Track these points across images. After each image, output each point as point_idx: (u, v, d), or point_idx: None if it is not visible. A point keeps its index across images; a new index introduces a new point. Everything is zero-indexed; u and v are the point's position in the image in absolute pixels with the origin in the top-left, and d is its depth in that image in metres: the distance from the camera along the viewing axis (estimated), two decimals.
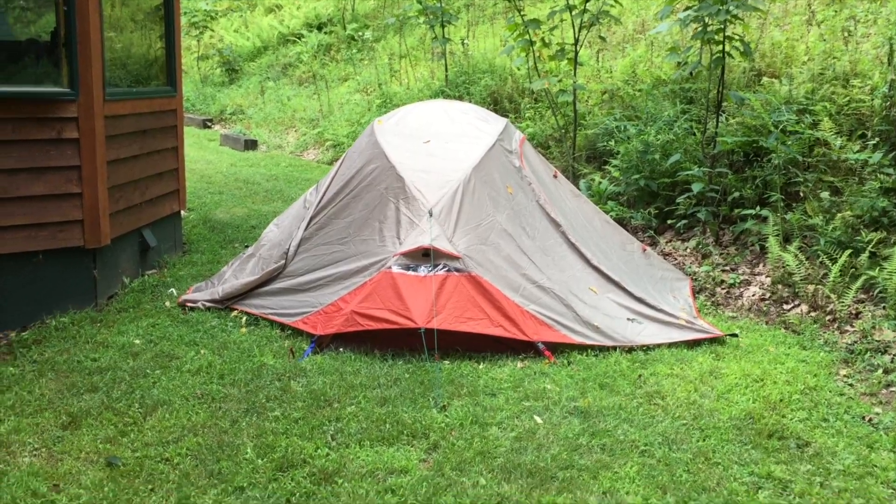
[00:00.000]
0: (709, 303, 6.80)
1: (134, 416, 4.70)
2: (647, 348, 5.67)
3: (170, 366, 5.38)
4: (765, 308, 6.56)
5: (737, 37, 7.42)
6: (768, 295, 6.72)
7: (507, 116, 11.73)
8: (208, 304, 6.43)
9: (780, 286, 6.64)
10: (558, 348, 5.59)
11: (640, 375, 5.22)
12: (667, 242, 7.98)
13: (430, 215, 5.70)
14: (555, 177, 6.78)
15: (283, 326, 5.99)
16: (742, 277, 7.03)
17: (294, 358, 5.48)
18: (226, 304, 6.41)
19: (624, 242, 6.86)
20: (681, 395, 4.97)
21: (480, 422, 4.61)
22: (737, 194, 7.57)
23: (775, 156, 7.28)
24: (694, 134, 8.29)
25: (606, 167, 9.14)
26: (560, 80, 9.45)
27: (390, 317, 5.43)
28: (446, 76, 13.55)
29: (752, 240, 7.32)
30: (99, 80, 6.23)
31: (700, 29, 7.57)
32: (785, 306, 6.50)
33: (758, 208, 7.22)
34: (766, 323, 6.31)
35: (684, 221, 7.75)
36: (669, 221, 8.07)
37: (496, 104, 12.24)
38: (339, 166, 6.64)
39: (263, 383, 5.11)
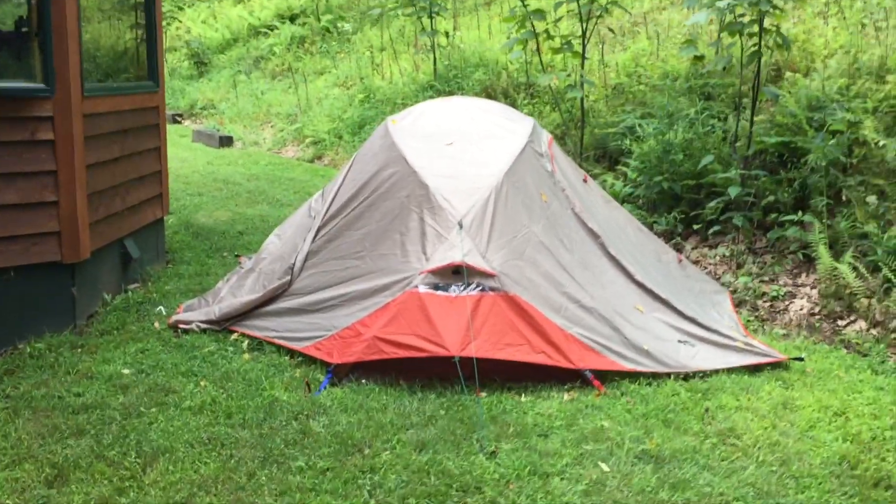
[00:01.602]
0: (752, 318, 6.24)
1: (131, 468, 4.00)
2: (703, 375, 5.07)
3: (167, 402, 4.68)
4: (816, 324, 6.00)
5: (774, 28, 6.85)
6: (817, 309, 6.16)
7: None
8: (203, 326, 5.72)
9: (830, 300, 6.09)
10: (606, 376, 4.97)
11: (706, 409, 4.62)
12: (693, 249, 7.41)
13: (460, 227, 5.05)
14: (584, 181, 6.16)
15: (291, 352, 5.31)
16: (785, 289, 6.48)
17: (310, 392, 4.80)
18: (223, 325, 5.71)
19: (659, 252, 6.27)
20: (757, 432, 4.38)
21: (539, 471, 3.98)
22: (771, 198, 7.00)
23: (817, 157, 6.73)
24: (714, 132, 7.72)
25: (619, 167, 8.55)
26: (569, 75, 8.82)
27: (419, 343, 4.78)
28: (435, 70, 12.88)
29: (792, 247, 6.77)
30: (76, 75, 5.49)
31: (732, 20, 6.99)
32: (839, 322, 5.95)
33: (799, 213, 6.66)
34: (821, 341, 5.75)
35: (717, 227, 7.17)
36: (695, 227, 7.50)
37: (490, 99, 11.58)
38: (348, 170, 5.96)
39: (278, 424, 4.43)
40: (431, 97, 12.33)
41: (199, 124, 17.15)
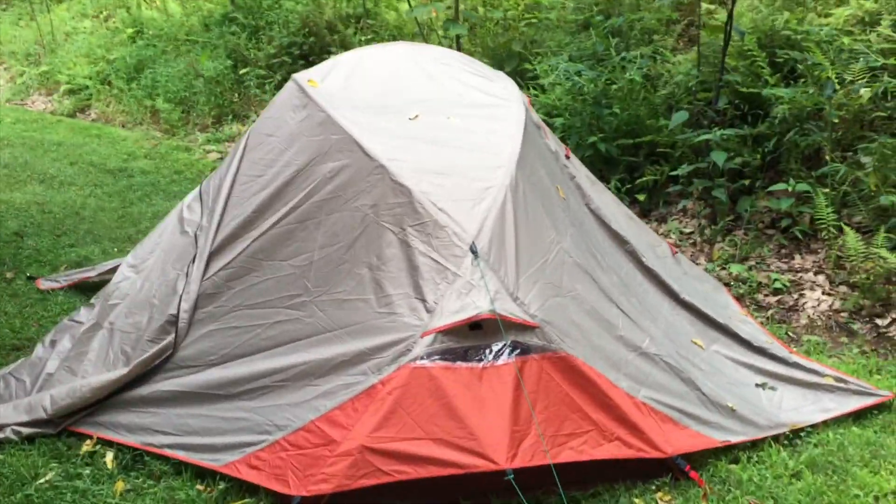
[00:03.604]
0: (763, 319, 4.92)
1: None
2: (803, 432, 3.65)
3: None
4: (849, 323, 4.78)
5: None
6: (837, 303, 4.95)
7: (330, 55, 9.06)
8: (24, 431, 3.47)
9: (858, 291, 4.89)
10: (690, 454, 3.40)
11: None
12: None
13: (475, 255, 3.19)
14: (567, 157, 4.42)
15: (200, 472, 3.25)
16: (785, 277, 5.21)
17: None
18: (61, 425, 3.49)
19: (652, 244, 4.71)
20: None
21: None
22: (737, 161, 5.68)
23: (790, 108, 5.49)
24: (662, 78, 6.28)
25: None
26: (449, 7, 6.97)
27: (444, 454, 2.96)
28: None
29: (765, 221, 5.51)
30: None
31: None
32: (879, 321, 4.77)
33: (793, 181, 5.37)
34: (874, 351, 4.54)
35: (685, 201, 5.76)
36: (639, 198, 6.08)
37: (312, 38, 9.45)
38: (241, 159, 3.87)
39: None
40: (235, 33, 9.96)
41: None
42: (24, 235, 6.02)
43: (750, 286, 5.18)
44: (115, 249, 5.79)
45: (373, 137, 3.49)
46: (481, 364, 3.11)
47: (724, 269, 5.36)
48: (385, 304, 3.25)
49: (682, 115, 5.45)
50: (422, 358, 3.08)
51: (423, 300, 3.19)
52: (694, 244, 5.71)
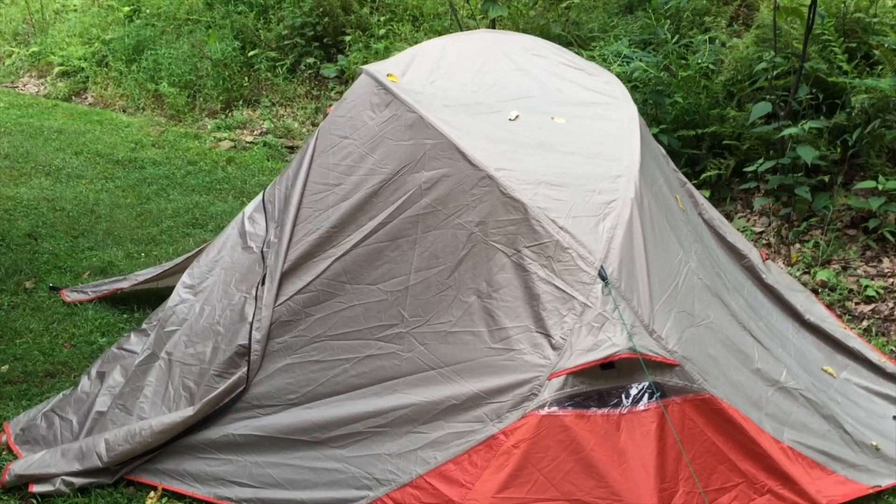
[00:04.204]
0: (858, 330, 4.52)
1: None
2: None
3: None
4: None
5: None
6: None
7: (346, 37, 8.55)
8: (78, 482, 3.01)
9: None
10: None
11: None
12: None
13: (605, 281, 2.75)
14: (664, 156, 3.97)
15: None
16: (877, 283, 4.82)
17: None
18: (120, 473, 3.04)
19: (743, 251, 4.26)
20: None
21: None
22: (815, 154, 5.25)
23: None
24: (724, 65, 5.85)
25: None
26: None
27: None
28: None
29: (872, 223, 5.12)
30: None
31: None
32: None
33: (882, 179, 4.97)
34: None
35: (762, 199, 5.34)
36: (703, 193, 5.64)
37: (326, 18, 8.91)
38: (311, 162, 3.39)
39: None
40: (242, 12, 9.41)
41: None
42: (38, 237, 5.51)
43: (840, 293, 4.78)
44: (143, 255, 5.30)
45: (474, 143, 3.04)
46: (619, 410, 2.68)
47: (806, 273, 4.96)
48: (500, 338, 2.81)
49: (765, 107, 5.01)
50: (551, 404, 2.65)
51: (547, 335, 2.75)
52: (768, 245, 5.31)
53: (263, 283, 3.22)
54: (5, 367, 3.91)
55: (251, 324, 3.15)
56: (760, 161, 5.19)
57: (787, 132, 4.92)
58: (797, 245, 5.18)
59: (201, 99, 9.16)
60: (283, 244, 3.25)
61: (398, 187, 3.10)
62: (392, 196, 3.10)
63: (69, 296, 4.59)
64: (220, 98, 9.02)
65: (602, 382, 2.71)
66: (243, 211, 3.56)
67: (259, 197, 3.56)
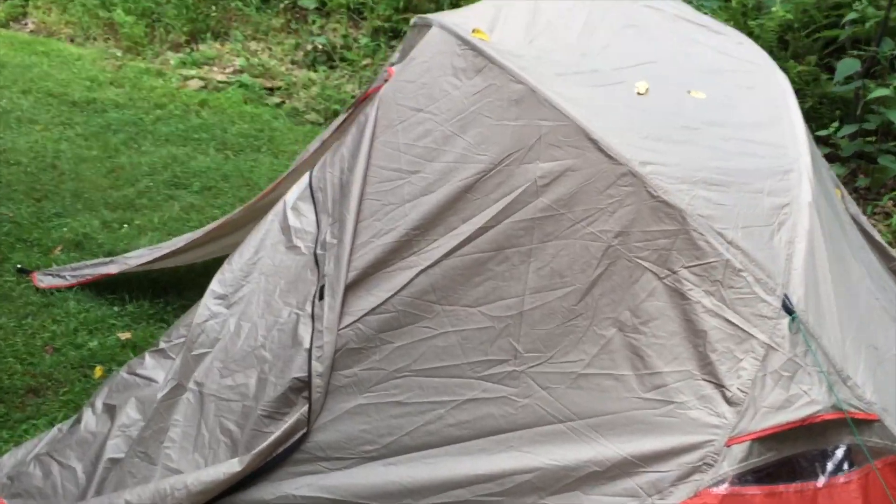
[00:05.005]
0: None
1: None
2: None
3: None
4: None
5: None
6: None
7: None
8: None
9: None
10: None
11: None
12: None
13: (791, 316, 2.13)
14: None
15: None
16: None
17: None
18: None
19: None
20: None
21: None
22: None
23: None
24: None
25: None
26: None
27: None
28: None
29: None
30: None
31: None
32: None
33: None
34: None
35: (837, 167, 4.77)
36: None
37: None
38: (370, 142, 2.66)
39: None
40: None
41: None
42: None
43: None
44: (123, 225, 4.51)
45: (606, 125, 2.36)
46: (814, 483, 2.09)
47: None
48: (653, 385, 2.19)
49: (852, 65, 4.39)
50: (734, 481, 2.05)
51: (720, 385, 2.14)
52: None
53: (321, 298, 2.52)
54: None
55: (309, 351, 2.46)
56: (836, 125, 4.59)
57: (876, 93, 4.32)
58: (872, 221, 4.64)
59: (161, 29, 8.20)
60: (344, 247, 2.54)
61: (503, 181, 2.41)
62: (495, 193, 2.41)
63: (42, 280, 3.82)
64: (184, 29, 8.08)
65: (790, 447, 2.11)
66: (284, 199, 2.83)
67: (304, 180, 2.82)
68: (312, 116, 6.72)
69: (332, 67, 7.38)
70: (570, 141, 2.35)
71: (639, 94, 2.54)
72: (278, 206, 2.82)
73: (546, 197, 2.35)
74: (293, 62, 7.55)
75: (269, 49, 7.77)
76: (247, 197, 5.12)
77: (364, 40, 7.47)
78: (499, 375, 2.33)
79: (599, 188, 2.30)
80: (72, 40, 8.56)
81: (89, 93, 6.78)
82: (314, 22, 7.68)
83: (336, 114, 6.69)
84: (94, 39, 8.40)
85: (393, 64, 3.04)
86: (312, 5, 7.74)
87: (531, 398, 2.28)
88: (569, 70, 2.55)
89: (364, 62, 7.34)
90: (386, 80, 2.98)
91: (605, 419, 2.20)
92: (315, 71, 7.32)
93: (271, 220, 2.80)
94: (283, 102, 6.95)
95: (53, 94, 6.65)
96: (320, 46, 7.47)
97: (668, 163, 2.30)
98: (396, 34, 7.50)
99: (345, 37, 7.59)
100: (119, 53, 8.04)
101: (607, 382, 2.23)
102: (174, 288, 3.91)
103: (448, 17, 2.81)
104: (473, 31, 2.68)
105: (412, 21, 3.06)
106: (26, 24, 9.18)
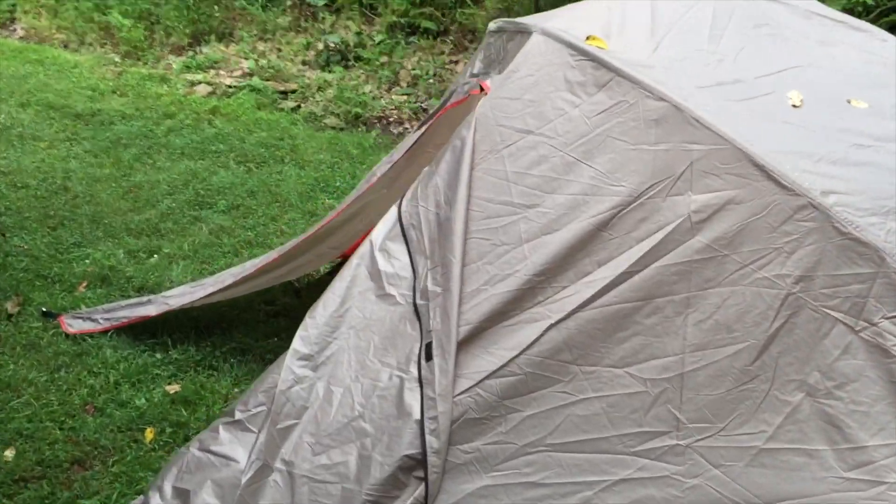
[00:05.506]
0: None
1: None
2: None
3: None
4: None
5: None
6: None
7: None
8: None
9: None
10: None
11: None
12: None
13: None
14: None
15: None
16: None
17: None
18: None
19: None
20: None
21: None
22: None
23: None
24: None
25: None
26: None
27: None
28: None
29: None
30: None
31: None
32: None
33: None
34: None
35: None
36: None
37: None
38: (469, 172, 2.27)
39: None
40: None
41: None
42: (5, 230, 4.26)
43: None
44: (150, 254, 4.10)
45: (771, 147, 1.98)
46: None
47: None
48: (857, 463, 1.82)
49: None
50: None
51: None
52: None
53: (429, 358, 2.14)
54: (10, 453, 2.77)
55: (421, 423, 2.08)
56: None
57: None
58: None
59: (161, 32, 7.75)
60: (452, 297, 2.16)
61: (646, 217, 2.04)
62: (637, 231, 2.04)
63: (72, 325, 3.41)
64: (186, 31, 7.64)
65: None
66: (370, 238, 2.43)
67: (391, 215, 2.43)
68: (332, 121, 6.30)
69: (346, 67, 6.97)
70: (729, 168, 1.97)
71: (794, 106, 2.16)
72: (364, 248, 2.42)
73: (703, 235, 1.98)
74: (305, 63, 7.13)
75: (279, 49, 7.35)
76: (277, 215, 4.74)
77: (379, 37, 7.07)
78: (658, 451, 1.96)
79: (772, 224, 1.93)
80: (65, 46, 8.10)
81: (92, 103, 6.35)
82: (324, 19, 7.26)
83: (357, 117, 6.30)
84: (90, 45, 7.94)
85: (478, 75, 2.65)
86: (321, 2, 7.33)
87: (701, 478, 1.92)
88: (710, 81, 2.17)
89: (381, 60, 6.93)
90: (468, 94, 2.60)
91: (799, 503, 1.84)
92: (330, 71, 6.90)
93: (357, 265, 2.40)
94: (299, 107, 6.53)
95: (54, 106, 6.21)
96: (333, 45, 7.05)
97: (852, 191, 1.93)
98: (414, 30, 7.09)
99: (358, 34, 7.17)
100: (118, 59, 7.60)
101: (798, 459, 1.86)
102: (218, 326, 3.52)
103: (549, 21, 2.42)
104: (588, 38, 2.29)
105: (495, 25, 2.66)
106: (15, 29, 8.71)
